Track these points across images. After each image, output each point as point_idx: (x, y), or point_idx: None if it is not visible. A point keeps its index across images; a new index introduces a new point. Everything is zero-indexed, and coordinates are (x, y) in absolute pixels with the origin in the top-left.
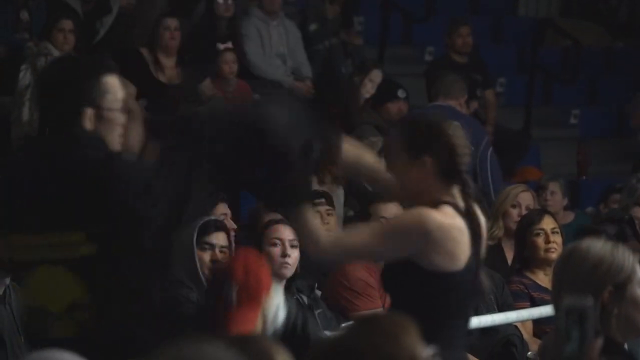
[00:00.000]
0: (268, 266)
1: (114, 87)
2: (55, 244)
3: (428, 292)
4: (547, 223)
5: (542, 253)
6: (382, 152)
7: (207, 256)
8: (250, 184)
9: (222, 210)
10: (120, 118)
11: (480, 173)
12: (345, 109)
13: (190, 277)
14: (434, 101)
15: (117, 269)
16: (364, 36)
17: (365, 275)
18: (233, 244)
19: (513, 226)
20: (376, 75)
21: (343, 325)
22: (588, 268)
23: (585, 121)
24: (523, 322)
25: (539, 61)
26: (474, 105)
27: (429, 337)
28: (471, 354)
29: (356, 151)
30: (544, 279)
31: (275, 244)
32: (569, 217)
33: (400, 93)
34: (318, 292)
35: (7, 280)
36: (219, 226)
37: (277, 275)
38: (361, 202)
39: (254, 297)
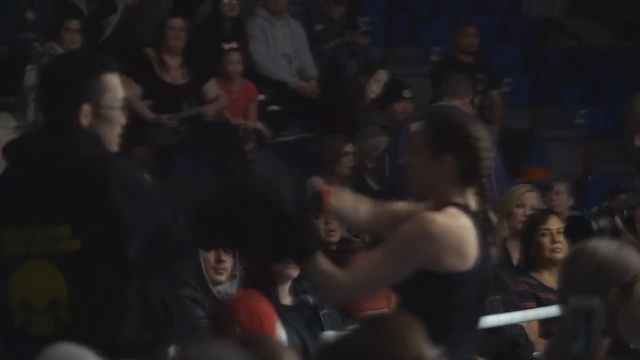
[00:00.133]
0: (270, 306)
1: (114, 85)
2: (40, 237)
3: (436, 291)
4: (553, 223)
5: (548, 253)
6: (386, 152)
7: (211, 256)
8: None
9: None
10: (119, 117)
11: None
12: (350, 109)
13: (194, 277)
14: (439, 101)
15: (98, 268)
16: (370, 36)
17: None
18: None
19: (518, 226)
20: (382, 76)
21: (349, 325)
22: (594, 268)
23: (590, 121)
24: (529, 322)
25: (544, 61)
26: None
27: (436, 338)
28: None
29: (352, 203)
30: (549, 279)
31: None
32: None
33: (406, 93)
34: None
35: None
36: None
37: (283, 276)
38: None
39: None
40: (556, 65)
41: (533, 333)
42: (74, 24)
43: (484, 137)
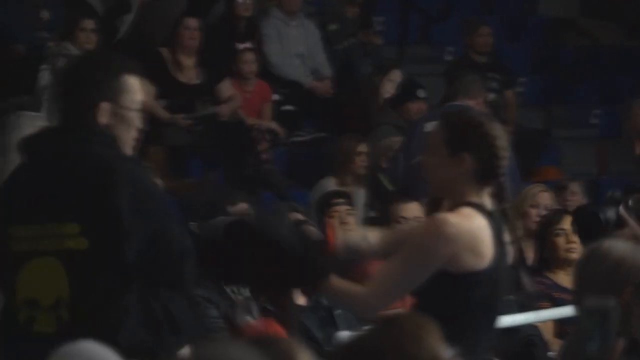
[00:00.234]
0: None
1: (134, 87)
2: (49, 234)
3: (452, 291)
4: (568, 223)
5: (562, 253)
6: (399, 152)
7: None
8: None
9: (244, 210)
10: (136, 120)
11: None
12: (364, 109)
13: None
14: (452, 101)
15: (100, 269)
16: (384, 36)
17: None
18: None
19: (532, 226)
20: (396, 75)
21: (364, 325)
22: (609, 268)
23: (604, 120)
24: (544, 322)
25: (558, 61)
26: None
27: (452, 338)
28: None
29: (359, 233)
30: (564, 279)
31: None
32: None
33: (420, 93)
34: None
35: None
36: None
37: None
38: (383, 203)
39: None
40: (570, 64)
41: (548, 333)
42: (89, 23)
43: (501, 136)
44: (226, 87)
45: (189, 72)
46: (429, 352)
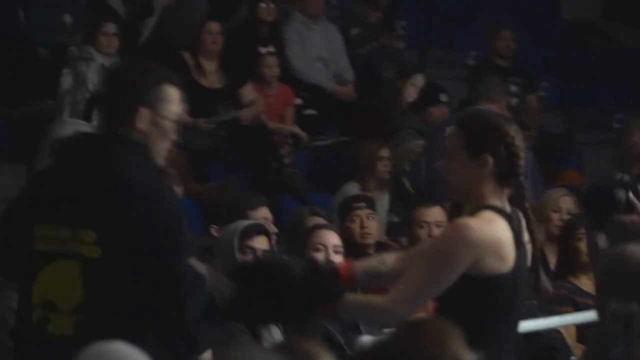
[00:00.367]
0: None
1: (174, 98)
2: (72, 238)
3: (476, 295)
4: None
5: (585, 257)
6: (421, 156)
7: (248, 260)
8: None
9: (264, 214)
10: (172, 131)
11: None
12: (386, 113)
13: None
14: (474, 104)
15: (111, 279)
16: (406, 40)
17: None
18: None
19: (554, 231)
20: (418, 80)
21: (386, 330)
22: (632, 273)
23: None
24: (566, 327)
25: (581, 64)
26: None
27: (474, 342)
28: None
29: (376, 258)
30: (587, 283)
31: (318, 250)
32: None
33: (443, 97)
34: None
35: None
36: (261, 230)
37: None
38: (405, 206)
39: None
40: (592, 68)
41: (570, 338)
42: (110, 27)
43: (518, 135)
44: (248, 91)
45: (211, 76)
46: (451, 356)
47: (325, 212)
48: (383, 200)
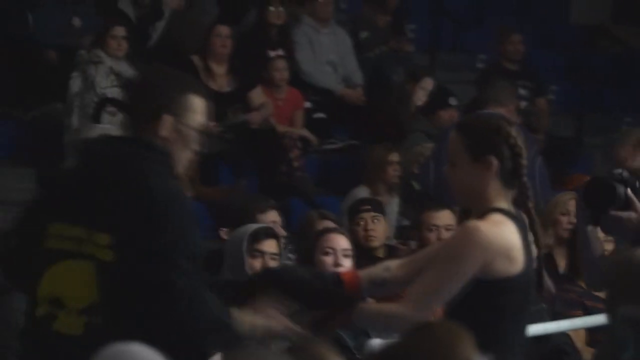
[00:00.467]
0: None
1: (199, 108)
2: (81, 238)
3: (486, 298)
4: (600, 231)
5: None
6: (430, 159)
7: (257, 263)
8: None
9: (272, 218)
10: (195, 141)
11: (529, 181)
12: (396, 117)
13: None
14: (483, 108)
15: (122, 282)
16: (415, 43)
17: None
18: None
19: (563, 234)
20: (427, 83)
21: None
22: None
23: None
24: (576, 330)
25: (590, 68)
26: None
27: (484, 346)
28: None
29: (379, 266)
30: None
31: (327, 253)
32: None
33: (452, 101)
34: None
35: None
36: (270, 233)
37: None
38: (415, 209)
39: None
40: (602, 72)
41: (580, 341)
42: (120, 30)
43: (520, 137)
44: (257, 95)
45: (220, 80)
46: (461, 359)
47: (335, 215)
48: (393, 204)
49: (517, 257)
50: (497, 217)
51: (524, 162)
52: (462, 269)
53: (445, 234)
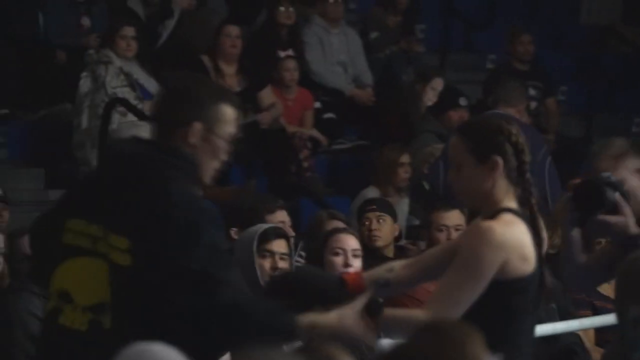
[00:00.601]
0: None
1: (230, 118)
2: (97, 236)
3: (497, 298)
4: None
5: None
6: (440, 159)
7: (267, 264)
8: None
9: (281, 218)
10: (224, 151)
11: (538, 182)
12: (406, 117)
13: (249, 284)
14: (493, 109)
15: (142, 288)
16: (425, 44)
17: (428, 284)
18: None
19: None
20: (437, 83)
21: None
22: None
23: None
24: (585, 330)
25: (600, 68)
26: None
27: (494, 346)
28: None
29: (383, 267)
30: (606, 287)
31: (337, 254)
32: None
33: (462, 101)
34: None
35: None
36: (279, 233)
37: None
38: (425, 208)
39: None
40: (612, 72)
41: (589, 341)
42: (129, 30)
43: (520, 134)
44: (267, 95)
45: (230, 80)
46: (471, 359)
47: (344, 215)
48: (403, 205)
49: (529, 256)
50: (508, 217)
51: (527, 158)
52: (483, 271)
53: (455, 234)
